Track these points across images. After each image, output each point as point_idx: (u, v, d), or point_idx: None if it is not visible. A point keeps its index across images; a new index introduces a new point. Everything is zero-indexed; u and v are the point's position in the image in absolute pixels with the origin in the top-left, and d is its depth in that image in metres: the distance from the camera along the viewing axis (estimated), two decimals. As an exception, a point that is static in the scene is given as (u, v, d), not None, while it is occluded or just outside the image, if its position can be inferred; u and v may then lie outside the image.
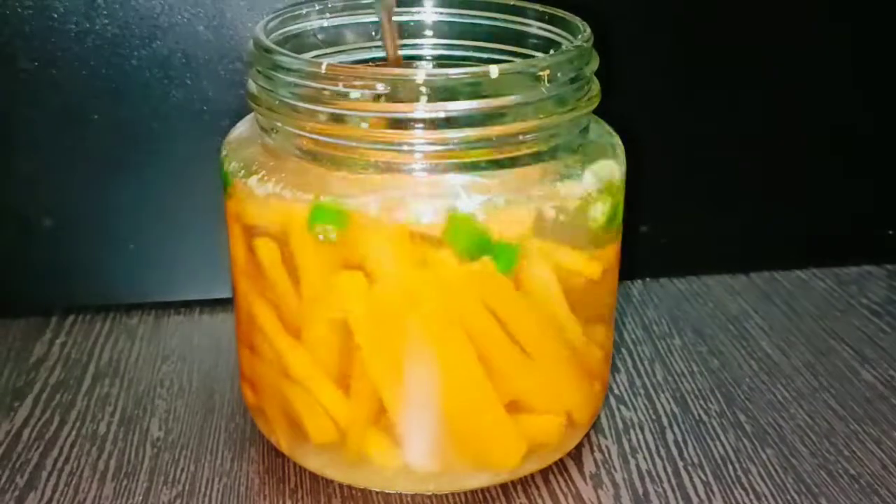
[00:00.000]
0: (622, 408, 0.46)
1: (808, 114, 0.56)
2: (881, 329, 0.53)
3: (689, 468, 0.42)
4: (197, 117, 0.51)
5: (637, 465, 0.43)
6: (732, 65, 0.54)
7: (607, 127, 0.42)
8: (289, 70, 0.37)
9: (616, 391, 0.48)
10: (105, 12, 0.49)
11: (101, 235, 0.52)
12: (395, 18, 0.43)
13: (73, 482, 0.41)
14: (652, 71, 0.54)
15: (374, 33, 0.44)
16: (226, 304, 0.54)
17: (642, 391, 0.48)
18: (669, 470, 0.42)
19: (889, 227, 0.59)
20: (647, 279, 0.57)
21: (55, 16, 0.48)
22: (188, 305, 0.54)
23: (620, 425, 0.45)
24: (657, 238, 0.56)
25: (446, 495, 0.41)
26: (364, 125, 0.36)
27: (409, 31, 0.44)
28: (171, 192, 0.52)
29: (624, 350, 0.51)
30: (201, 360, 0.50)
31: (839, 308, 0.55)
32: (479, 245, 0.36)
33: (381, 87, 0.36)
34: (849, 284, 0.57)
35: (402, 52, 0.44)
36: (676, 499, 0.41)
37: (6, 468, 0.42)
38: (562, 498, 0.41)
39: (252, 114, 0.42)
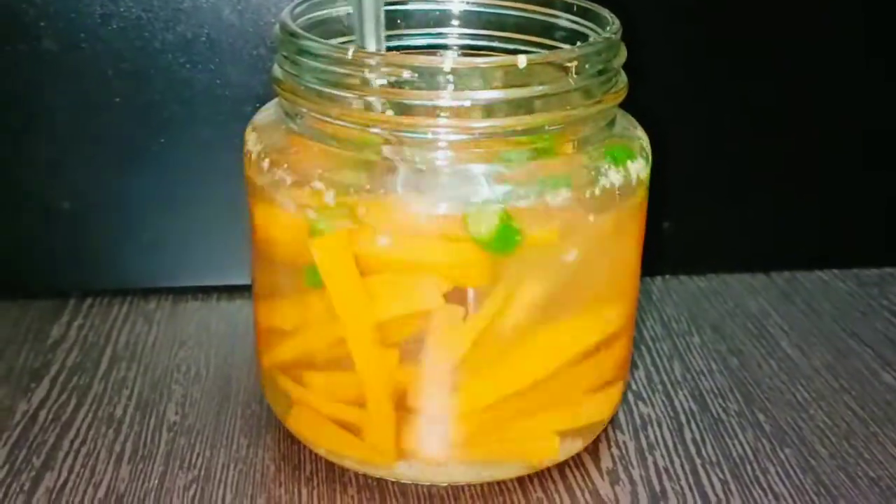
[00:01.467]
0: (640, 404, 0.46)
1: (837, 115, 0.55)
2: (902, 332, 0.52)
3: (707, 466, 0.42)
4: (219, 102, 0.50)
5: (654, 462, 0.42)
6: (759, 61, 0.54)
7: (634, 121, 0.42)
8: (315, 55, 0.37)
9: (634, 387, 0.47)
10: (130, -5, 0.49)
11: (120, 219, 0.52)
12: (421, 6, 0.43)
13: (90, 464, 0.41)
14: (675, 65, 0.53)
15: (399, 21, 0.44)
16: (243, 290, 0.53)
17: (660, 388, 0.47)
18: (687, 468, 0.42)
19: (912, 230, 0.59)
20: (667, 276, 0.57)
21: (80, -3, 0.48)
22: (205, 291, 0.54)
23: (638, 421, 0.45)
24: (678, 234, 0.56)
25: (462, 487, 0.40)
26: (389, 112, 0.36)
27: (436, 20, 0.44)
28: (191, 177, 0.52)
29: (643, 346, 0.51)
30: (218, 346, 0.49)
31: (860, 310, 0.54)
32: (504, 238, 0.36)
33: (407, 75, 0.35)
34: (870, 286, 0.57)
35: (428, 42, 0.44)
36: (694, 497, 0.40)
37: (23, 448, 0.42)
38: (578, 493, 0.40)
39: (276, 99, 0.41)
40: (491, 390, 0.38)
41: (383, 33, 0.39)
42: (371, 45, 0.39)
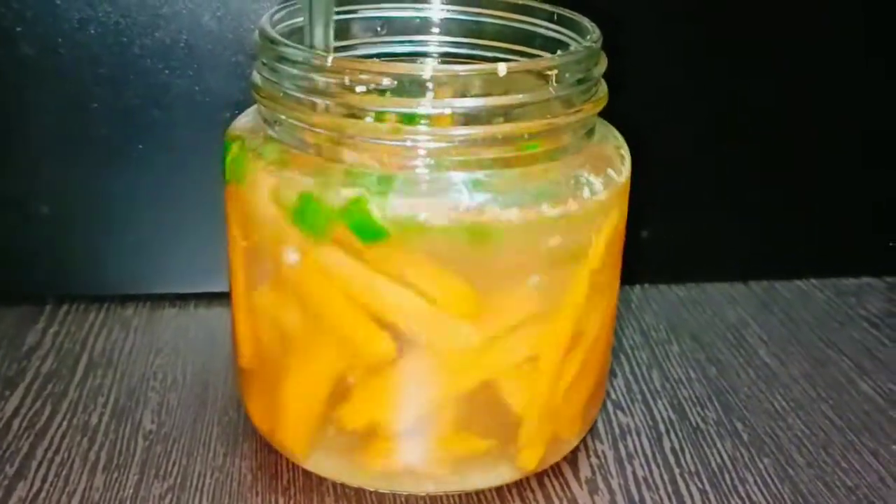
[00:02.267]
0: (619, 413, 0.46)
1: (811, 124, 0.56)
2: (880, 341, 0.53)
3: (686, 476, 0.42)
4: (198, 108, 0.50)
5: (633, 472, 0.42)
6: (735, 75, 0.54)
7: (614, 130, 0.42)
8: (294, 62, 0.37)
9: (613, 396, 0.47)
10: (108, 0, 0.48)
11: (97, 225, 0.52)
12: (401, 13, 0.43)
13: (63, 473, 0.41)
14: (653, 76, 0.53)
15: (379, 28, 0.44)
16: (221, 297, 0.53)
17: (639, 397, 0.47)
18: (666, 477, 0.42)
19: (890, 239, 0.59)
20: (646, 284, 0.57)
21: (57, 2, 0.48)
22: (183, 298, 0.54)
23: (617, 431, 0.45)
24: (657, 244, 0.56)
25: (441, 496, 0.40)
26: (369, 119, 0.36)
27: (416, 28, 0.44)
28: (169, 183, 0.51)
29: (622, 355, 0.51)
30: (195, 354, 0.49)
31: (838, 319, 0.55)
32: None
33: (387, 82, 0.35)
34: (848, 296, 0.57)
35: (408, 49, 0.44)
36: (672, 506, 0.40)
37: (-5, 457, 0.42)
38: (557, 502, 0.40)
39: (255, 105, 0.41)
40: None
41: (332, 31, 0.39)
42: (318, 42, 0.38)
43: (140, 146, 0.51)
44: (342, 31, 0.43)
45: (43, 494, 0.40)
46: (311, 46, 0.38)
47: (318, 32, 0.38)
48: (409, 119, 0.35)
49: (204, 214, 0.51)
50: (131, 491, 0.40)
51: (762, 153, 0.56)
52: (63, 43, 0.48)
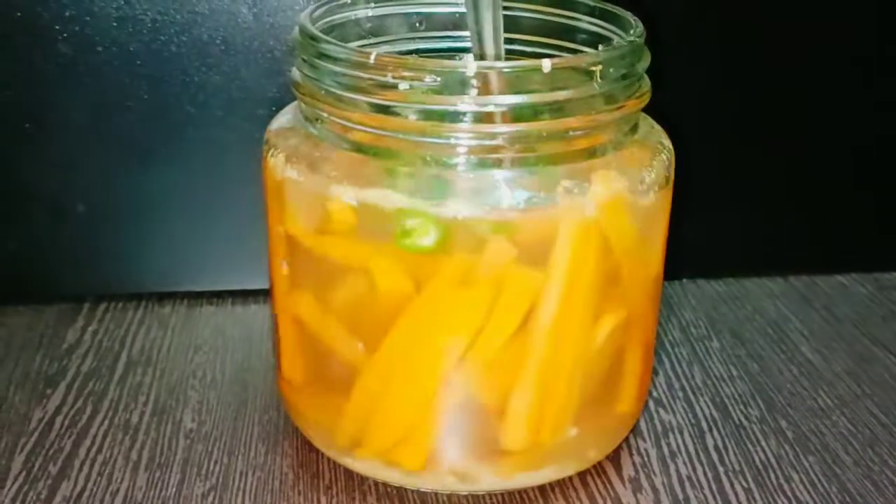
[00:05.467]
0: (661, 410, 0.46)
1: (857, 116, 0.55)
2: (924, 337, 0.52)
3: (730, 474, 0.42)
4: (234, 106, 0.50)
5: (677, 470, 0.42)
6: (772, 67, 0.53)
7: (657, 125, 0.41)
8: (335, 59, 0.37)
9: (654, 393, 0.47)
10: (145, -2, 0.48)
11: (134, 223, 0.52)
12: (440, 9, 0.43)
13: (106, 471, 0.41)
14: (694, 69, 0.53)
15: (418, 24, 0.43)
16: (258, 295, 0.53)
17: (681, 394, 0.47)
18: (710, 475, 0.42)
19: (932, 233, 0.58)
20: (684, 280, 0.57)
21: (95, 1, 0.48)
22: (220, 296, 0.54)
23: (659, 428, 0.45)
24: (694, 238, 0.55)
25: (483, 495, 0.40)
26: (412, 117, 0.36)
27: (455, 23, 0.44)
28: (206, 181, 0.51)
29: (662, 352, 0.50)
30: (234, 352, 0.49)
31: (881, 314, 0.54)
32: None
33: (430, 79, 0.35)
34: (890, 290, 0.56)
35: (447, 44, 0.43)
36: (718, 505, 0.40)
37: (39, 455, 0.42)
38: (600, 501, 0.40)
39: (295, 102, 0.41)
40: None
41: (502, 38, 0.39)
42: (490, 51, 0.38)
43: (176, 143, 0.51)
44: (380, 26, 0.43)
45: (87, 494, 0.40)
46: (482, 56, 0.38)
47: (489, 41, 0.38)
48: (452, 116, 0.35)
49: (240, 211, 0.51)
50: (174, 490, 0.40)
51: (802, 146, 0.55)
52: (100, 41, 0.48)
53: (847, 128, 0.55)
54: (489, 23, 0.38)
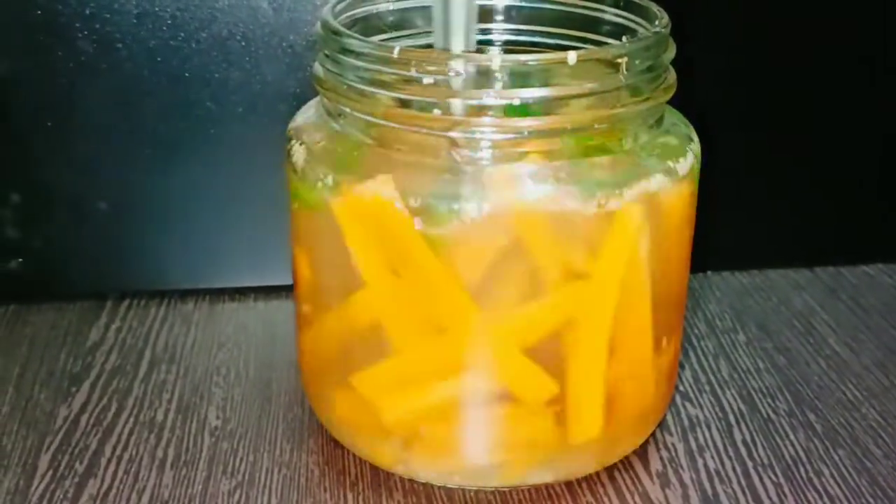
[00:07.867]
0: (688, 405, 0.45)
1: (879, 108, 0.54)
2: (953, 328, 0.51)
3: (759, 469, 0.41)
4: (255, 102, 0.50)
5: (705, 464, 0.42)
6: (796, 59, 0.53)
7: (682, 117, 0.41)
8: (358, 54, 0.36)
9: (681, 387, 0.46)
10: (165, -6, 0.48)
11: (156, 219, 0.52)
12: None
13: (133, 470, 0.41)
14: (721, 60, 0.52)
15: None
16: (280, 291, 0.53)
17: (707, 388, 0.47)
18: (739, 470, 0.41)
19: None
20: (709, 272, 0.56)
21: (115, -3, 0.48)
22: (242, 292, 0.54)
23: (686, 422, 0.44)
24: (719, 230, 0.55)
25: (509, 491, 0.40)
26: (436, 111, 0.35)
27: (479, 15, 0.43)
28: (227, 177, 0.51)
29: (687, 345, 0.50)
30: (257, 348, 0.49)
31: (908, 305, 0.53)
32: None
33: (454, 73, 0.35)
34: (918, 281, 0.56)
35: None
36: (747, 500, 0.39)
37: (66, 454, 0.42)
38: (628, 497, 0.40)
39: (317, 98, 0.41)
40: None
41: (474, 31, 0.38)
42: (458, 45, 0.38)
43: (197, 140, 0.50)
44: (402, 20, 0.43)
45: (113, 492, 0.40)
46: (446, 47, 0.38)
47: (458, 38, 0.38)
48: (478, 110, 0.35)
49: (262, 207, 0.51)
50: (200, 487, 0.40)
51: (828, 138, 0.55)
52: (120, 38, 0.48)
53: (873, 119, 0.55)
54: (461, 16, 0.38)
